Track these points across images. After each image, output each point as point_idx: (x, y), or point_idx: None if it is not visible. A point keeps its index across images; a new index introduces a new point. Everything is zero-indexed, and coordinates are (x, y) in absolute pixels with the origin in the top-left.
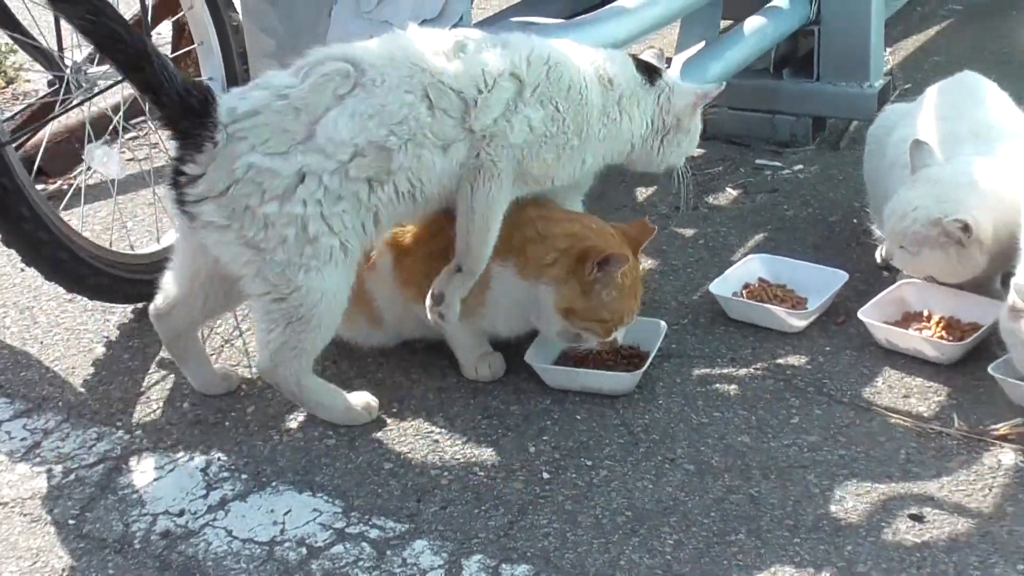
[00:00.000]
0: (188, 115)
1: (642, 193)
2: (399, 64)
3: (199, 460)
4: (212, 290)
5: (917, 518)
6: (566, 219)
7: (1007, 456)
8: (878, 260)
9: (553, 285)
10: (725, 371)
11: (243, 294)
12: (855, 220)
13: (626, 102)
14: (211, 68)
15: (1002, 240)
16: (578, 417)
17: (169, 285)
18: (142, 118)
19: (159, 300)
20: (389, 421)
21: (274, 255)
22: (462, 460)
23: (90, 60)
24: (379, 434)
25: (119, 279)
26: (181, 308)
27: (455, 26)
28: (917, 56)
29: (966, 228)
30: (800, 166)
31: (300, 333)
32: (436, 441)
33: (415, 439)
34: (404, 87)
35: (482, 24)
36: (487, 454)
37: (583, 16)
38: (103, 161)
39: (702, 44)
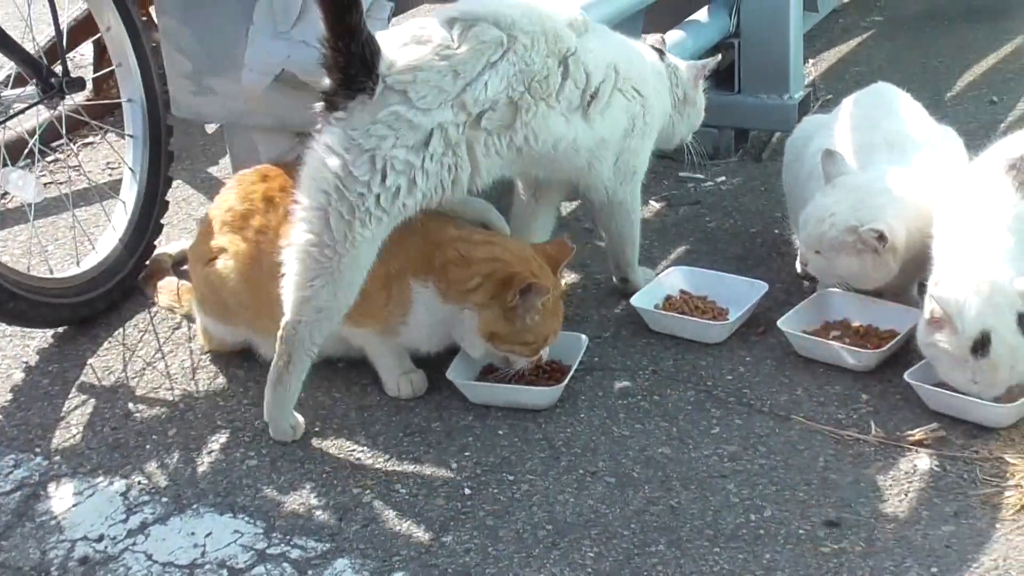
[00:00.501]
0: (361, 64)
1: (565, 207)
2: (547, 32)
3: (119, 484)
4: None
5: (834, 524)
6: (487, 241)
7: (922, 461)
8: (799, 270)
9: (476, 310)
10: (646, 383)
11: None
12: (776, 231)
13: (656, 81)
14: (131, 89)
15: (916, 248)
16: (500, 432)
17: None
18: (61, 141)
19: None
20: (311, 440)
21: (363, 200)
22: (384, 478)
23: (3, 83)
24: (301, 454)
25: (38, 303)
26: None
27: None
28: (838, 67)
29: (881, 237)
30: (723, 178)
31: (335, 290)
32: (358, 459)
33: (337, 458)
34: (547, 53)
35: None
36: (409, 471)
37: None
38: (19, 185)
39: None
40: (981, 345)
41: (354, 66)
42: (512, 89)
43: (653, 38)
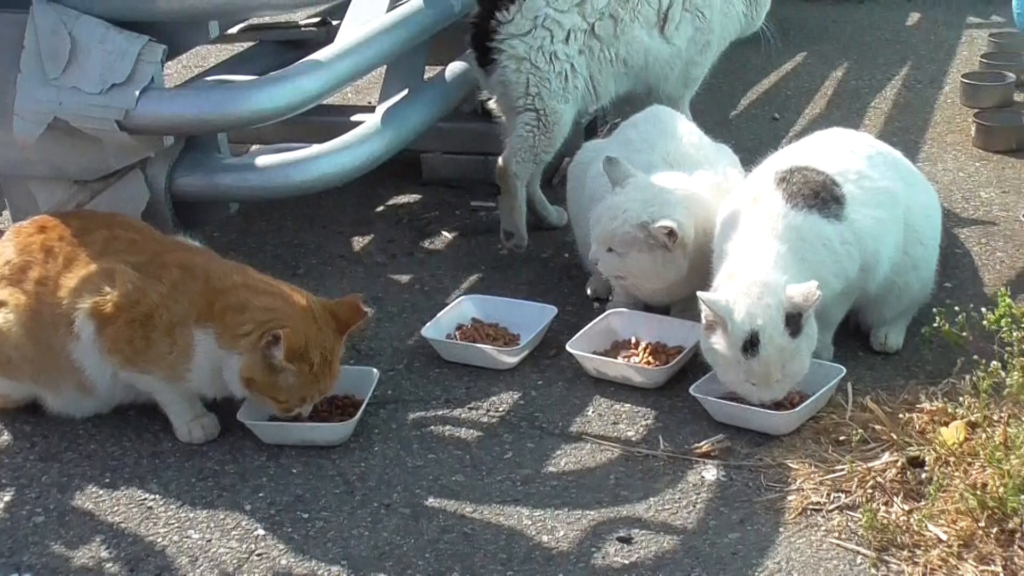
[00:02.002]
0: None
1: (359, 242)
2: None
3: None
4: None
5: (626, 540)
6: (270, 292)
7: (710, 472)
8: (588, 293)
9: (241, 354)
10: (440, 413)
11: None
12: (567, 255)
13: (721, 3)
14: None
15: (703, 252)
16: (294, 471)
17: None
18: None
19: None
20: (101, 492)
21: (550, 84)
22: (176, 525)
23: None
24: (90, 506)
25: None
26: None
27: (145, 90)
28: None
29: (672, 233)
30: None
31: (543, 143)
32: (150, 508)
33: (128, 508)
34: None
35: (183, 86)
36: (202, 516)
37: (277, 72)
38: None
39: (405, 91)
40: (751, 345)
41: None
42: (611, 6)
43: None
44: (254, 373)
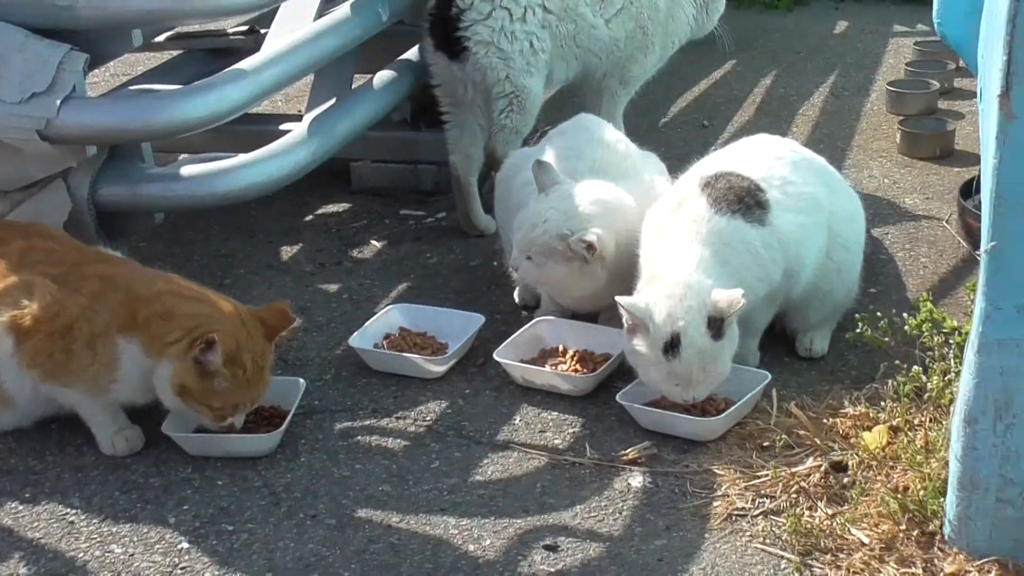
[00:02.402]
0: None
1: (287, 252)
2: None
3: None
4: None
5: (552, 548)
6: (197, 299)
7: (636, 479)
8: (517, 301)
9: (172, 362)
10: (367, 422)
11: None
12: (496, 263)
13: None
14: None
15: (625, 262)
16: (219, 483)
17: (453, 133)
18: None
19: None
20: (21, 508)
21: (515, 62)
22: (99, 539)
23: None
24: (9, 522)
25: None
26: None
27: (66, 99)
28: (557, 98)
29: (590, 247)
30: (443, 213)
31: (522, 122)
32: (72, 523)
33: (49, 523)
34: None
35: (106, 95)
36: (125, 530)
37: (201, 81)
38: None
39: (333, 100)
40: (672, 346)
41: None
42: None
43: None
44: (187, 380)
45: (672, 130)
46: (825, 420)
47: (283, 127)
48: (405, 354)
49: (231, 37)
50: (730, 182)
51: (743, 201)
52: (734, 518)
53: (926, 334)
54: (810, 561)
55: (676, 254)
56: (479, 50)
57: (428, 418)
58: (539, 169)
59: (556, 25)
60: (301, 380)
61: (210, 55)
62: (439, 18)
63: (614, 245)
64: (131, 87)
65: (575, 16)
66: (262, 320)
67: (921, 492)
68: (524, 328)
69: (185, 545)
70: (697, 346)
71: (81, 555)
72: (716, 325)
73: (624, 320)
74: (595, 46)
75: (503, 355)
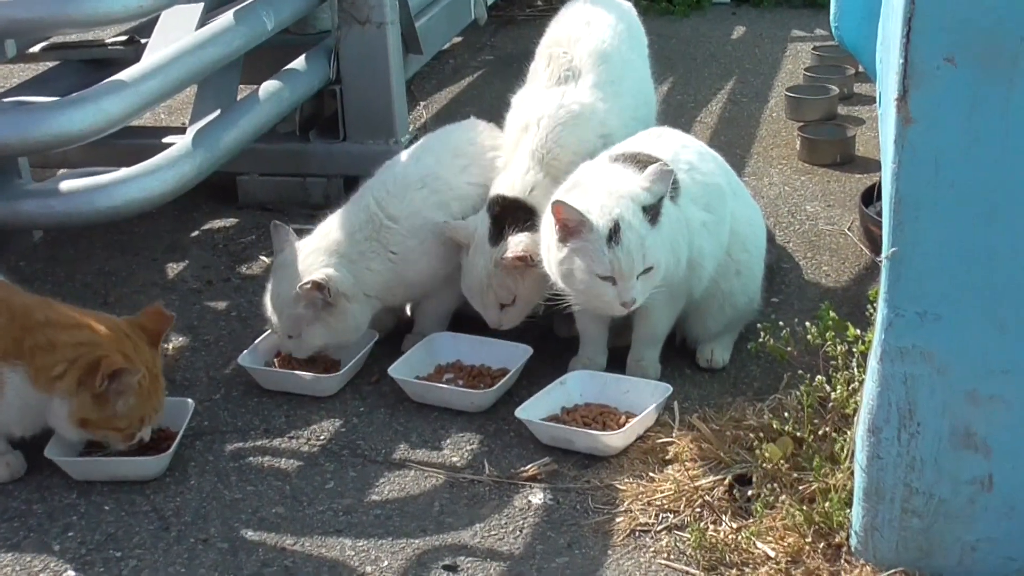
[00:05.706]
0: None
1: (173, 269)
2: None
3: None
4: None
5: (451, 568)
6: (74, 324)
7: (536, 496)
8: (409, 315)
9: (66, 397)
10: (259, 443)
11: None
12: None
13: None
14: None
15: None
16: (106, 508)
17: None
18: None
19: None
20: None
21: None
22: None
23: None
24: None
25: None
26: None
27: None
28: (451, 107)
29: (319, 287)
30: None
31: None
32: None
33: None
34: None
35: None
36: (7, 559)
37: (79, 93)
38: None
39: (218, 112)
40: (614, 233)
41: None
42: None
43: None
44: (86, 413)
45: None
46: (728, 432)
47: (166, 140)
48: (297, 372)
49: (110, 47)
50: (639, 159)
51: None
52: (637, 534)
53: (829, 343)
54: None
55: (593, 166)
56: None
57: (322, 437)
58: (275, 231)
59: None
60: (190, 400)
61: (88, 66)
62: None
63: (353, 279)
64: (5, 99)
65: None
66: (142, 327)
67: (827, 504)
68: (419, 344)
69: (71, 573)
70: (636, 232)
71: None
72: (652, 210)
73: (556, 231)
74: None
75: (398, 371)
